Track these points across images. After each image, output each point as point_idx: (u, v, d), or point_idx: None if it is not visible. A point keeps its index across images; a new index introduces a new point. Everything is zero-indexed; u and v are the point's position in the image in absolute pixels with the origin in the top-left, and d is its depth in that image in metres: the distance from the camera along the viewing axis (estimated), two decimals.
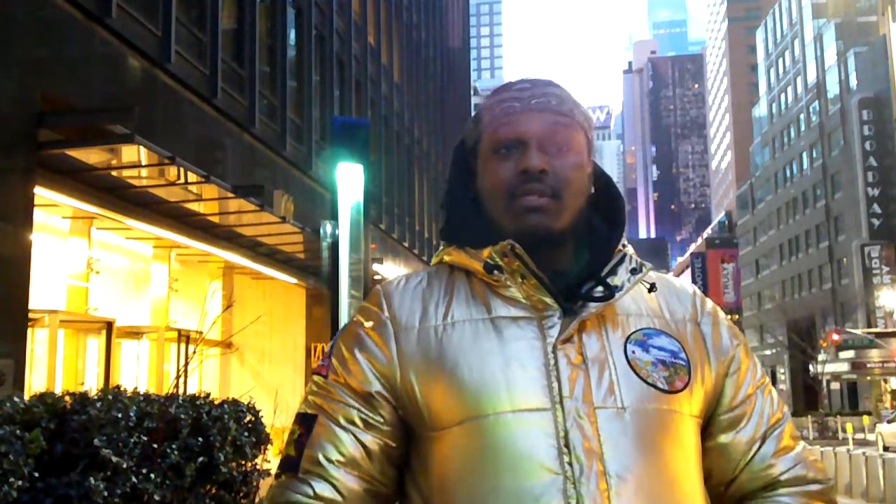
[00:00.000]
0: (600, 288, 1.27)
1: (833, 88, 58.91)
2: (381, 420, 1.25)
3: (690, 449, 1.24)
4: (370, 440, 1.24)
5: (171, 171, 10.38)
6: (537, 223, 1.26)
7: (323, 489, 1.22)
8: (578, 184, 1.30)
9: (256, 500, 4.67)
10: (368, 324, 1.31)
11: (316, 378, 1.32)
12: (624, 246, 1.34)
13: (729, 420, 1.31)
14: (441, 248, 1.39)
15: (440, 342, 1.25)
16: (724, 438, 1.31)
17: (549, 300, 1.25)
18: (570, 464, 1.15)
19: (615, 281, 1.29)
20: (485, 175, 1.32)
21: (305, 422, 1.28)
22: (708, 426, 1.31)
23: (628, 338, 1.27)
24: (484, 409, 1.18)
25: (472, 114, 1.40)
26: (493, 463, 1.16)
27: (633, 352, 1.25)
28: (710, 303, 1.40)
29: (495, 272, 1.27)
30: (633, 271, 1.31)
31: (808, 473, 1.30)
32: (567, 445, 1.16)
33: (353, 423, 1.25)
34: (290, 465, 1.26)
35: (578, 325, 1.24)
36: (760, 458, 1.30)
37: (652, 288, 1.33)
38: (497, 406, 1.18)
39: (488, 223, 1.31)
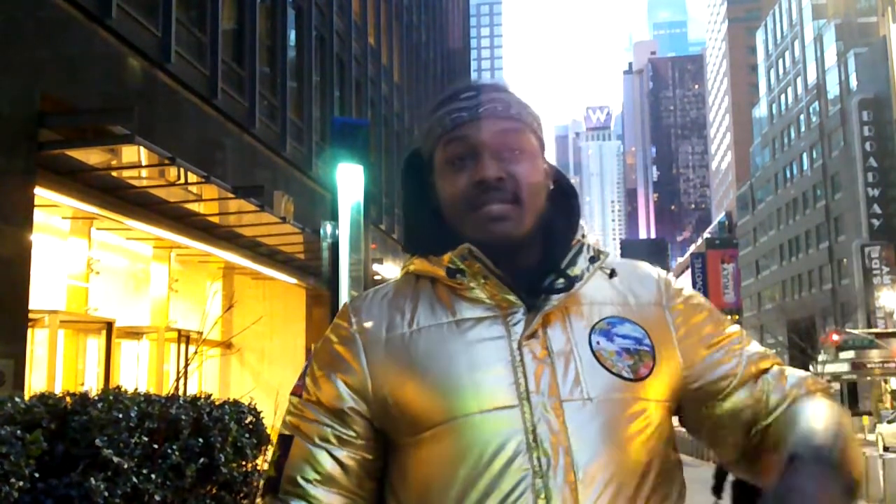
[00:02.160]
0: (561, 280, 1.29)
1: (833, 89, 58.93)
2: (355, 435, 1.27)
3: (659, 435, 1.25)
4: (345, 456, 1.27)
5: (172, 172, 10.38)
6: (501, 231, 1.27)
7: None
8: (536, 186, 1.31)
9: (257, 500, 4.67)
10: (338, 340, 1.33)
11: (292, 399, 1.35)
12: (583, 237, 1.35)
13: (728, 391, 1.33)
14: (406, 259, 1.40)
15: (408, 349, 1.26)
16: (733, 405, 1.32)
17: (512, 298, 1.27)
18: (539, 458, 1.17)
19: (575, 271, 1.30)
20: (442, 188, 1.32)
21: (283, 443, 1.31)
22: (710, 400, 1.33)
23: (593, 328, 1.28)
24: (453, 412, 1.20)
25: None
26: (466, 464, 1.18)
27: (598, 342, 1.26)
28: (675, 284, 1.40)
29: (457, 276, 1.28)
30: (592, 259, 1.32)
31: (808, 380, 1.35)
32: (535, 441, 1.17)
33: (327, 440, 1.27)
34: (272, 487, 1.29)
35: (542, 319, 1.25)
36: (776, 397, 1.31)
37: (612, 274, 1.35)
38: (466, 408, 1.20)
39: (450, 230, 1.31)
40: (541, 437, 1.17)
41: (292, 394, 1.36)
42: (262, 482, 1.37)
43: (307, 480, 1.26)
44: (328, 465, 1.26)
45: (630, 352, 1.26)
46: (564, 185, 1.40)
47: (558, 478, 1.16)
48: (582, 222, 1.39)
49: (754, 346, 1.39)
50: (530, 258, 1.31)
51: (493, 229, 1.27)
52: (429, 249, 1.33)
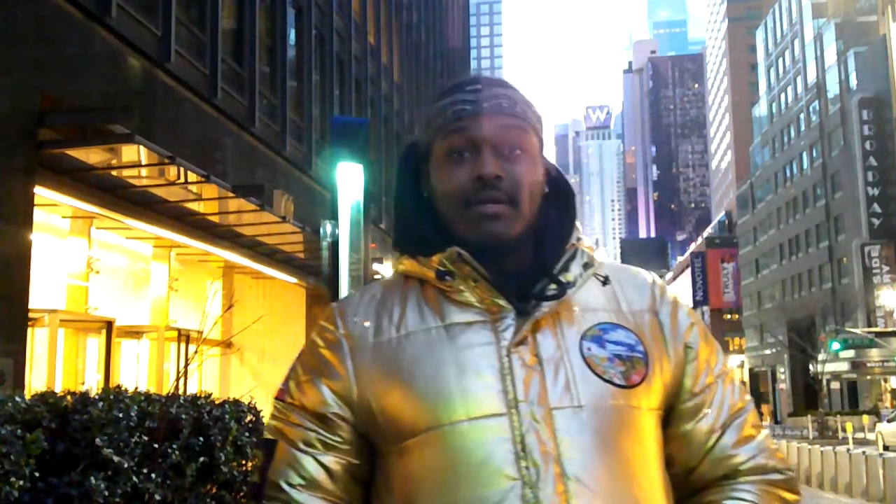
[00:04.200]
0: (553, 285, 1.26)
1: (833, 88, 58.91)
2: (341, 440, 1.25)
3: (650, 443, 1.23)
4: (331, 461, 1.25)
5: (171, 171, 10.38)
6: (494, 231, 1.25)
7: None
8: (533, 187, 1.29)
9: None
10: (324, 344, 1.30)
11: (276, 403, 1.32)
12: (578, 240, 1.33)
13: (689, 409, 1.30)
14: (396, 257, 1.37)
15: (395, 355, 1.24)
16: (685, 427, 1.29)
17: (502, 302, 1.24)
18: (528, 468, 1.14)
19: (568, 277, 1.28)
20: (438, 180, 1.30)
21: (267, 448, 1.28)
22: (670, 414, 1.30)
23: (584, 334, 1.25)
24: (440, 420, 1.18)
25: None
26: (453, 473, 1.16)
27: (589, 348, 1.24)
28: (669, 292, 1.38)
29: (447, 278, 1.26)
30: (586, 266, 1.30)
31: (768, 462, 1.29)
32: (524, 450, 1.15)
33: (312, 445, 1.25)
34: (256, 493, 1.28)
35: (532, 325, 1.23)
36: (721, 448, 1.28)
37: (606, 281, 1.32)
38: (452, 415, 1.17)
39: (440, 228, 1.29)
40: (529, 446, 1.15)
41: (276, 398, 1.32)
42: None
43: (292, 486, 1.24)
44: (313, 470, 1.24)
45: (622, 358, 1.24)
46: (562, 185, 1.38)
47: (548, 488, 1.13)
48: (578, 223, 1.36)
49: (735, 380, 1.35)
50: (521, 260, 1.28)
51: (485, 228, 1.25)
52: (419, 248, 1.30)
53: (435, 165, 1.31)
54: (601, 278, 1.32)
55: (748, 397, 1.35)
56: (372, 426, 1.24)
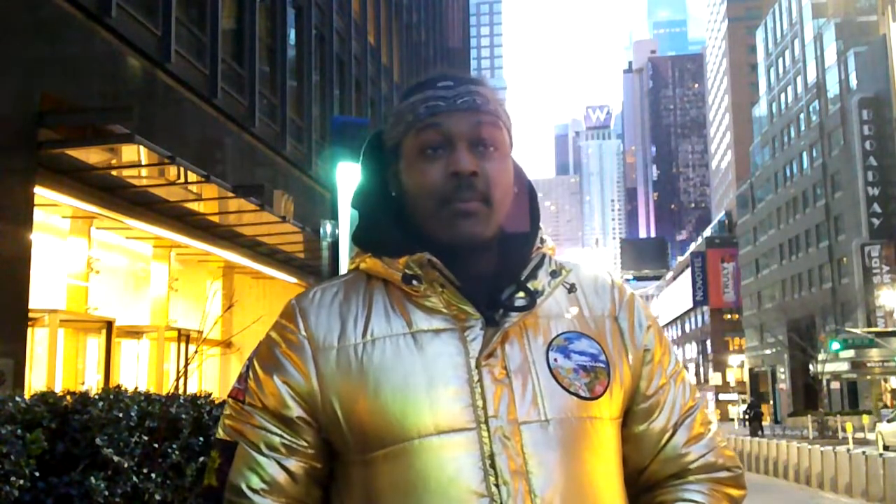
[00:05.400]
0: (521, 294, 1.25)
1: (833, 88, 58.90)
2: (306, 444, 1.23)
3: (611, 453, 1.25)
4: (294, 464, 1.22)
5: (171, 171, 10.39)
6: (468, 230, 1.22)
7: None
8: (506, 186, 1.27)
9: None
10: (285, 344, 1.26)
11: (232, 402, 1.28)
12: (542, 242, 1.32)
13: (643, 411, 1.31)
14: (355, 252, 1.33)
15: (360, 362, 1.20)
16: (638, 428, 1.31)
17: (469, 309, 1.22)
18: (497, 486, 1.13)
19: (535, 284, 1.26)
20: (411, 177, 1.27)
21: (225, 450, 1.25)
22: (624, 416, 1.31)
23: (550, 344, 1.25)
24: (409, 433, 1.16)
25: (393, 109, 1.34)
26: (420, 489, 1.14)
27: (556, 359, 1.23)
28: (628, 293, 1.37)
29: (413, 282, 1.23)
30: (554, 273, 1.29)
31: (717, 461, 1.30)
32: (493, 466, 1.14)
33: (275, 449, 1.22)
34: (214, 497, 1.25)
35: (501, 336, 1.21)
36: (672, 448, 1.30)
37: (572, 289, 1.32)
38: (422, 429, 1.15)
39: (407, 228, 1.27)
40: (500, 464, 1.14)
41: (232, 397, 1.28)
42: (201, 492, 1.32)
43: (253, 490, 1.21)
44: (276, 474, 1.21)
45: (586, 369, 1.24)
46: (527, 185, 1.36)
47: None
48: (541, 224, 1.35)
49: (686, 378, 1.37)
50: (488, 264, 1.26)
51: (459, 227, 1.22)
52: (383, 248, 1.27)
53: (407, 163, 1.28)
54: (567, 286, 1.31)
55: (698, 395, 1.38)
56: (337, 434, 1.21)
